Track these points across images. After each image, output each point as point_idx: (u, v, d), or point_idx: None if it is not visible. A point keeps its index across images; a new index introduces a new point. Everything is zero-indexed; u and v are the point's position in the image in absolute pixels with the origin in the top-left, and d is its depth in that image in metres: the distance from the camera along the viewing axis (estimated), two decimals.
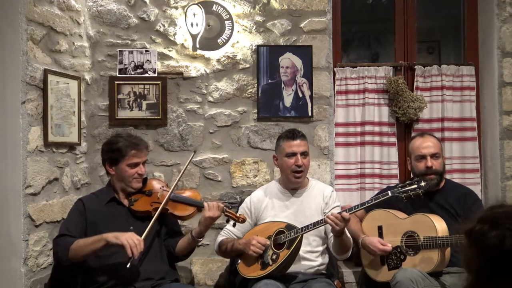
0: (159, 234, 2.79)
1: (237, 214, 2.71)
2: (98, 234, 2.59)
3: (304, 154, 2.87)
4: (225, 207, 2.67)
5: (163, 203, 2.65)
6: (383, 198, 2.63)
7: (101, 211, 2.71)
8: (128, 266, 2.42)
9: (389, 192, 2.63)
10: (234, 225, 2.77)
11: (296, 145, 2.85)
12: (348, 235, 2.77)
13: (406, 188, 2.61)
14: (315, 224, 2.69)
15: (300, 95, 3.45)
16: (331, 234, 2.79)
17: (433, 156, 2.87)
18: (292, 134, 2.87)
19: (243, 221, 2.73)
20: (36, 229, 2.76)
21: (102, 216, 2.69)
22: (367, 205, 2.67)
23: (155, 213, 2.64)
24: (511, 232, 1.23)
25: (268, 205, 2.94)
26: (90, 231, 2.66)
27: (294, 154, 2.84)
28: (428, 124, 3.61)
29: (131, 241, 2.41)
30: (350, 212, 2.62)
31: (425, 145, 2.91)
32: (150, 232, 2.62)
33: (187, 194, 2.81)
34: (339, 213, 2.59)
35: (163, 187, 2.81)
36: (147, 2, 3.46)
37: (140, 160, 2.73)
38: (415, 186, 2.60)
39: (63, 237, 2.61)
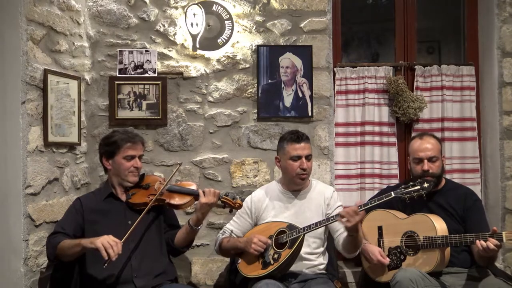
0: (159, 227, 2.81)
1: (233, 200, 2.72)
2: (96, 231, 2.63)
3: (309, 157, 2.87)
4: (221, 194, 2.70)
5: (158, 192, 2.70)
6: (386, 199, 2.62)
7: (98, 208, 2.74)
8: (104, 266, 2.38)
9: (392, 193, 2.62)
10: (230, 211, 2.78)
11: (301, 148, 2.83)
12: (361, 233, 2.73)
13: (409, 189, 2.59)
14: (317, 224, 2.69)
15: (300, 95, 3.45)
16: (338, 232, 2.79)
17: (430, 159, 2.86)
18: (297, 137, 2.85)
19: (240, 206, 2.74)
20: (36, 229, 2.76)
21: (100, 213, 2.72)
22: (370, 205, 2.63)
23: (153, 204, 2.68)
24: None
25: (269, 205, 2.94)
26: (88, 229, 2.69)
27: (299, 158, 2.83)
28: (428, 124, 3.61)
29: (106, 243, 2.37)
30: (360, 210, 2.58)
31: (422, 147, 2.88)
32: (142, 224, 2.65)
33: (184, 185, 2.86)
34: (332, 218, 2.58)
35: (160, 181, 2.85)
36: (147, 2, 3.46)
37: (135, 153, 2.77)
38: (418, 187, 2.59)
39: (55, 235, 2.62)
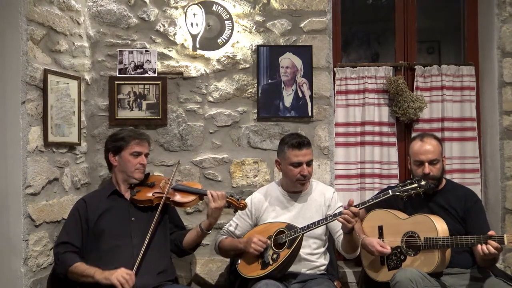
0: (164, 227, 2.85)
1: (238, 201, 2.77)
2: (100, 229, 2.69)
3: (310, 162, 2.86)
4: (226, 195, 2.77)
5: (167, 190, 2.76)
6: (384, 197, 2.63)
7: (102, 205, 2.77)
8: None
9: (389, 191, 2.63)
10: (235, 211, 2.82)
11: (302, 155, 2.82)
12: (356, 232, 2.74)
13: (407, 187, 2.60)
14: (316, 224, 2.69)
15: (300, 95, 3.45)
16: (338, 233, 2.80)
17: (431, 162, 2.84)
18: (298, 144, 2.82)
19: (244, 207, 2.79)
20: (36, 229, 2.76)
21: (103, 210, 2.76)
22: (368, 204, 2.66)
23: (157, 202, 2.74)
24: None
25: (269, 207, 2.94)
26: (92, 230, 2.72)
27: (300, 164, 2.83)
28: (428, 124, 3.61)
29: (121, 278, 2.46)
30: (363, 206, 2.61)
31: (423, 150, 2.86)
32: (147, 222, 2.70)
33: (189, 184, 2.92)
34: (347, 209, 2.55)
35: (165, 180, 2.91)
36: (147, 2, 3.45)
37: (142, 150, 2.85)
38: (415, 185, 2.60)
39: (64, 252, 2.66)
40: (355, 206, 2.58)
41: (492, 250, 2.49)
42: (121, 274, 2.47)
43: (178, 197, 2.79)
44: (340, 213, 2.60)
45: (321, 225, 2.72)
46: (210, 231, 2.82)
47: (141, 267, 2.63)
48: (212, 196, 2.73)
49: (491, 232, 2.56)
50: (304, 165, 2.82)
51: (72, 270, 2.60)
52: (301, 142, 2.83)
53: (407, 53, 3.69)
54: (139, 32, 3.45)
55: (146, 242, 2.62)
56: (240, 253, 2.84)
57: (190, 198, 2.79)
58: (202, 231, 2.78)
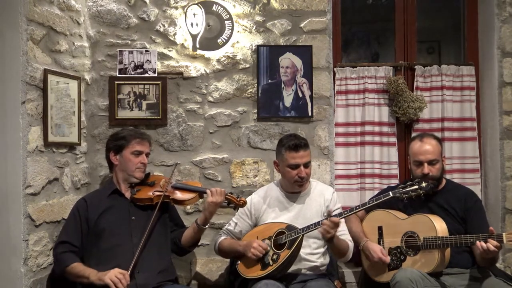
0: (164, 225, 2.86)
1: (238, 198, 2.79)
2: (100, 228, 2.70)
3: (307, 164, 2.86)
4: (226, 192, 2.78)
5: (166, 187, 2.78)
6: (384, 199, 2.63)
7: (103, 204, 2.79)
8: None
9: (390, 192, 2.63)
10: (235, 209, 2.84)
11: (300, 157, 2.82)
12: (341, 238, 2.76)
13: (407, 189, 2.60)
14: (316, 225, 2.69)
15: (300, 95, 3.45)
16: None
17: (431, 162, 2.84)
18: (295, 146, 2.81)
19: (244, 203, 2.80)
20: (36, 229, 2.76)
21: (103, 209, 2.77)
22: (368, 205, 2.67)
23: (157, 200, 2.75)
24: None
25: (269, 207, 2.94)
26: (92, 229, 2.73)
27: (297, 166, 2.83)
28: (428, 124, 3.61)
29: (114, 278, 2.46)
30: (347, 214, 2.65)
31: (423, 150, 2.86)
32: (147, 221, 2.71)
33: (189, 183, 2.94)
34: (327, 218, 2.59)
35: (165, 179, 2.93)
36: (147, 2, 3.46)
37: (143, 150, 2.87)
38: (416, 186, 2.60)
39: (63, 252, 2.67)
40: (356, 207, 2.59)
41: (492, 247, 2.49)
42: (115, 274, 2.48)
43: (178, 195, 2.81)
44: (319, 223, 2.64)
45: (320, 227, 2.72)
46: (206, 226, 2.81)
47: (142, 266, 2.63)
48: (211, 191, 2.76)
49: (492, 228, 2.56)
50: (302, 167, 2.82)
51: (68, 271, 2.62)
52: (298, 144, 2.82)
53: (407, 53, 3.69)
54: (139, 32, 3.46)
55: (143, 240, 2.62)
56: (240, 254, 2.84)
57: (190, 195, 2.81)
58: (198, 226, 2.79)
